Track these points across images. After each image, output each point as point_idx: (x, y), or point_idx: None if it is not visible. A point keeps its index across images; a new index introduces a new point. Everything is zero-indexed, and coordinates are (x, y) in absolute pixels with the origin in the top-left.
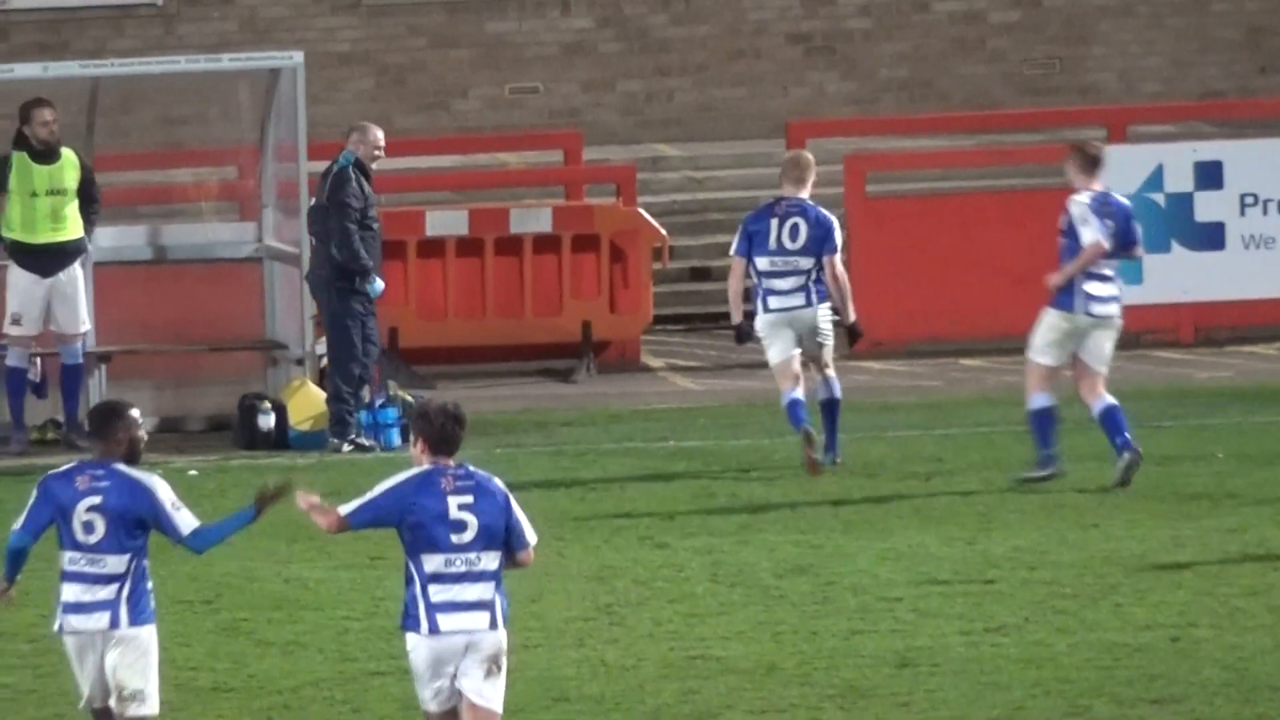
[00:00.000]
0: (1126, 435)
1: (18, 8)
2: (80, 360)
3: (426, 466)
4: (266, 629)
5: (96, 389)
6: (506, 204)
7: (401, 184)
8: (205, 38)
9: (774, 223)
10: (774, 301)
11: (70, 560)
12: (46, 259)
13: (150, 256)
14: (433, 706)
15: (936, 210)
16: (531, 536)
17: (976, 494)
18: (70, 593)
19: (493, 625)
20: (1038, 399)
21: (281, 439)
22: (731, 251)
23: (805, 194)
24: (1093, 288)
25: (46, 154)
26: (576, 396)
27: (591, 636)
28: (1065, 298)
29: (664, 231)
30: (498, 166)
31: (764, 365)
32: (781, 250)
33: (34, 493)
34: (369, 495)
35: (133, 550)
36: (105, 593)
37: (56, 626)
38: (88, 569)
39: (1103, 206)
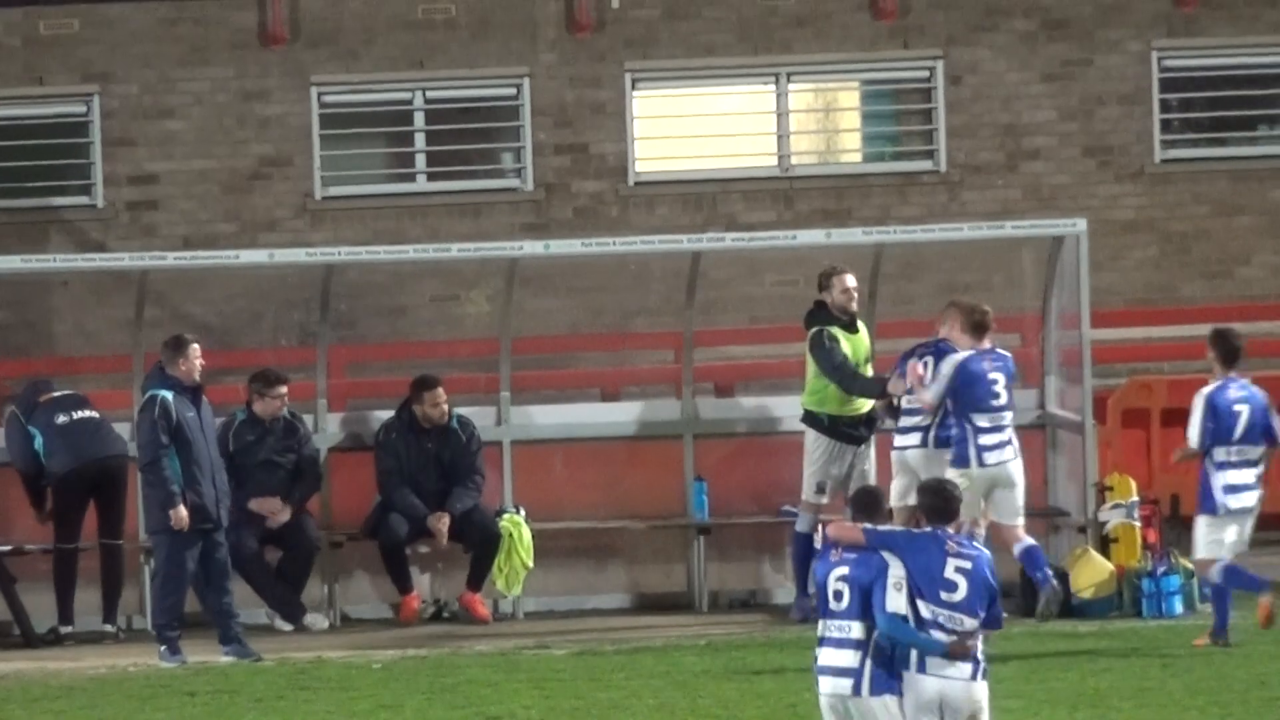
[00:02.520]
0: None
1: (802, 175)
2: None
3: (929, 529)
4: None
5: None
6: None
7: (1185, 351)
8: (988, 204)
9: None
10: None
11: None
12: (858, 430)
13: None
14: None
15: None
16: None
17: None
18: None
19: (972, 677)
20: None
21: (1064, 606)
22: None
23: None
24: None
25: (852, 324)
26: None
27: None
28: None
29: None
30: None
31: None
32: None
33: None
34: (886, 528)
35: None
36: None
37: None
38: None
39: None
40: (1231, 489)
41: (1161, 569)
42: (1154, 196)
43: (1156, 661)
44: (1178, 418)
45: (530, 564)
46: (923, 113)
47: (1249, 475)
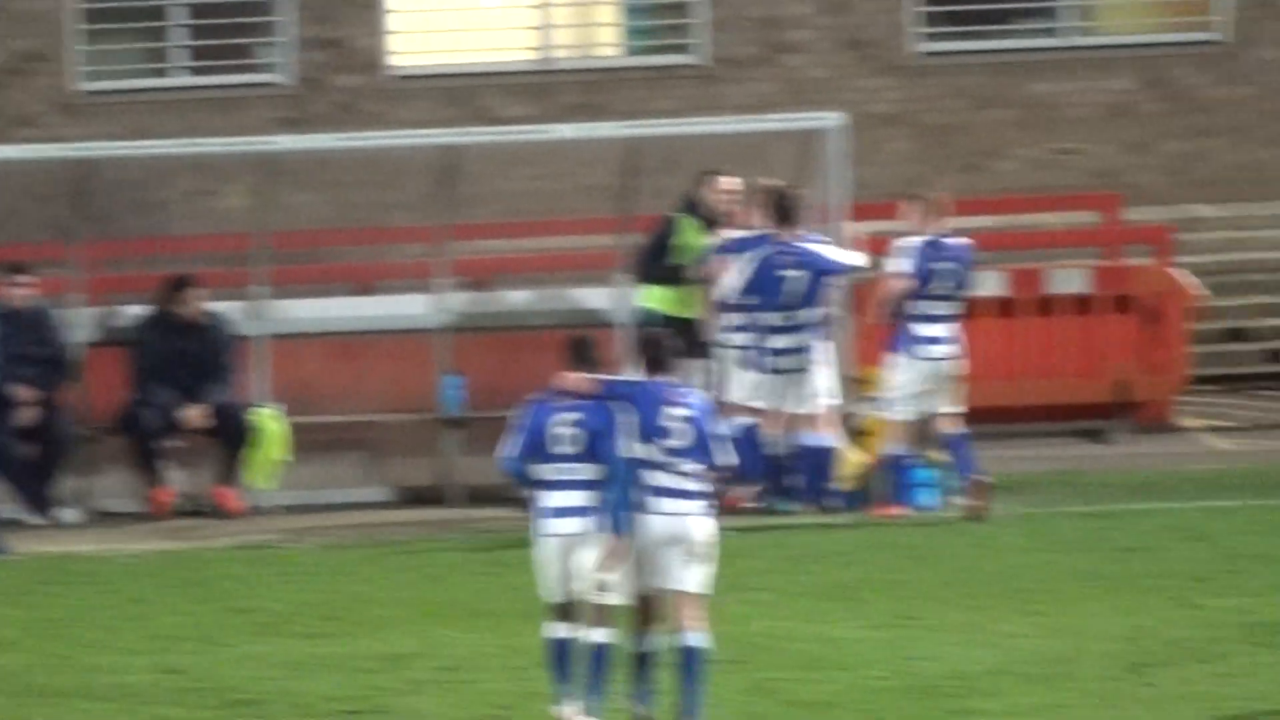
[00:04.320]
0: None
1: (560, 69)
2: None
3: (651, 379)
4: (798, 689)
5: None
6: (1043, 265)
7: None
8: (746, 98)
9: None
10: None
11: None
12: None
13: None
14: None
15: None
16: (725, 458)
17: None
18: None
19: (701, 513)
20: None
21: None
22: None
23: None
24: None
25: (713, 226)
26: (1110, 457)
27: (1121, 697)
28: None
29: (1201, 291)
30: (1036, 227)
31: None
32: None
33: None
34: (616, 378)
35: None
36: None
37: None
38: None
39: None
40: (771, 352)
41: (910, 461)
42: (911, 90)
43: (907, 553)
44: None
45: (285, 457)
46: (680, 5)
47: (793, 339)
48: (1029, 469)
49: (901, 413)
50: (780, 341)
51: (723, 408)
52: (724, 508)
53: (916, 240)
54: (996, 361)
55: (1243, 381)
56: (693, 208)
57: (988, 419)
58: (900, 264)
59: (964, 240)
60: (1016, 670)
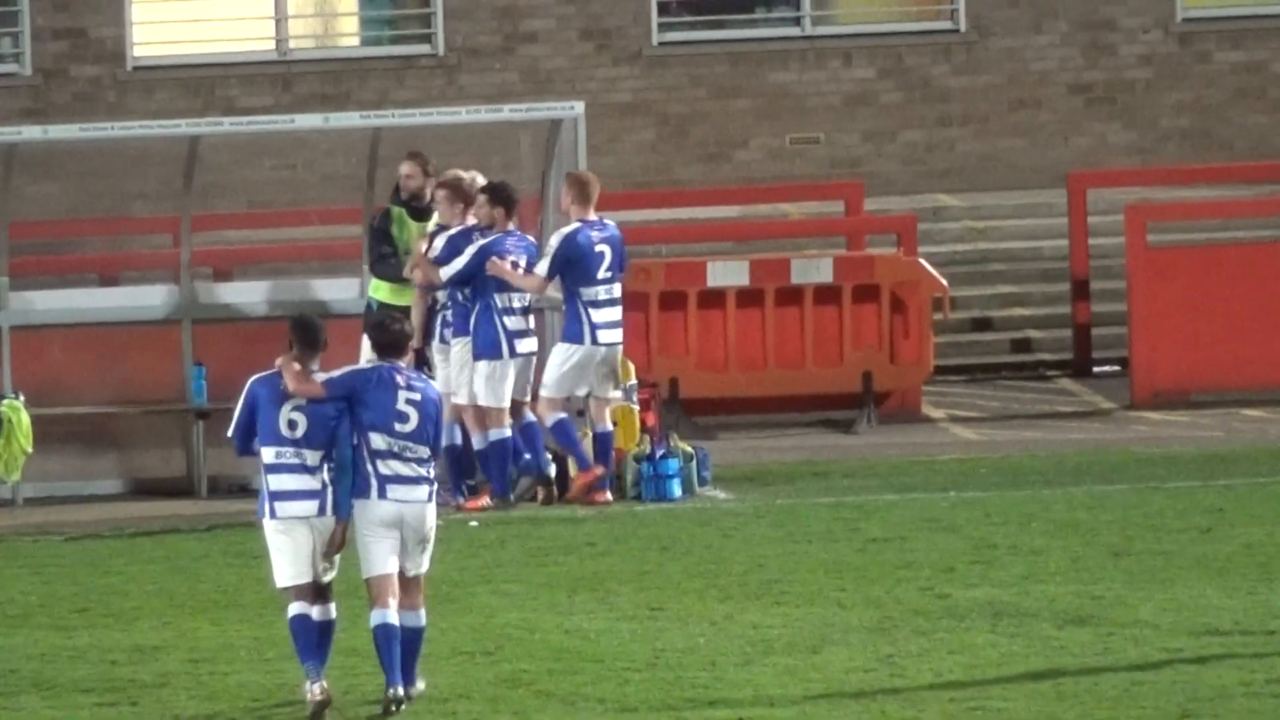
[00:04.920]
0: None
1: (300, 59)
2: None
3: (381, 364)
4: (547, 680)
5: None
6: (787, 254)
7: (682, 234)
8: (486, 88)
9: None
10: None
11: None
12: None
13: None
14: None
15: (1218, 260)
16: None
17: (1258, 545)
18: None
19: (428, 499)
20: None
21: (562, 488)
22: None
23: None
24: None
25: (418, 211)
26: (857, 447)
27: (872, 688)
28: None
29: (944, 282)
30: (779, 217)
31: (1047, 416)
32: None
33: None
34: (341, 371)
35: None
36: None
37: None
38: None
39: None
40: (508, 335)
41: (660, 452)
42: (651, 79)
43: (655, 544)
44: (677, 301)
45: (30, 449)
46: None
47: (525, 322)
48: (776, 459)
49: (552, 391)
50: (515, 323)
51: (469, 414)
52: (460, 509)
53: (573, 225)
54: (741, 352)
55: (988, 371)
56: (397, 195)
57: (735, 409)
58: (542, 264)
59: (613, 224)
60: (766, 661)
